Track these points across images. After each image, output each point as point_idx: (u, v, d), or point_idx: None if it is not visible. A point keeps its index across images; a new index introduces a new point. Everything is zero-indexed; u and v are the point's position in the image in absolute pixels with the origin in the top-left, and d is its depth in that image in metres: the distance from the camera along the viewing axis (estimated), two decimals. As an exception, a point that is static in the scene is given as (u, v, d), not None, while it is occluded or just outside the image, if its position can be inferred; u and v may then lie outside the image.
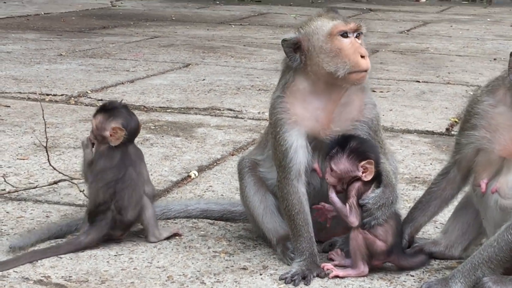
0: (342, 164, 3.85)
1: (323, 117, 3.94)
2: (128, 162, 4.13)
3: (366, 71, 3.86)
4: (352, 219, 3.82)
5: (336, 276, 3.80)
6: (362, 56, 3.84)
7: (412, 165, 5.83)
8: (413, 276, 3.88)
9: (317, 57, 3.88)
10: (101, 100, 7.58)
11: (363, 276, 3.82)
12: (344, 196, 3.87)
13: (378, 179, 3.88)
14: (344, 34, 3.88)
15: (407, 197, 5.04)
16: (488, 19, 17.08)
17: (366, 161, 3.84)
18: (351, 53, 3.85)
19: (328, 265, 3.85)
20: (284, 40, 3.93)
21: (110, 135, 4.13)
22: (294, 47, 3.92)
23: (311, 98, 3.94)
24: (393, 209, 3.85)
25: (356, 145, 3.87)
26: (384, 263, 3.90)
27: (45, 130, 5.10)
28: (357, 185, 3.86)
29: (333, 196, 3.86)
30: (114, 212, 4.05)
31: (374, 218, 3.81)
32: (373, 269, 3.89)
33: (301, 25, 3.98)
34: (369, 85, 4.06)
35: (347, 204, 3.83)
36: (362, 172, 3.84)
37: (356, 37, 3.89)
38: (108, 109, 4.19)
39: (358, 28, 3.90)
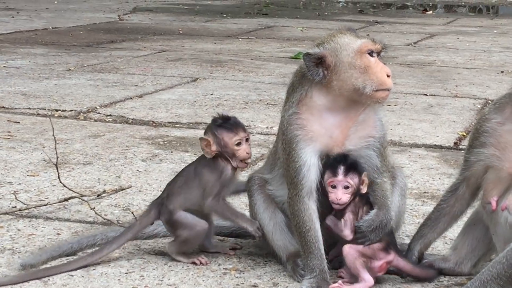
0: (356, 178, 3.94)
1: (339, 134, 3.97)
2: None
3: (389, 89, 3.93)
4: (347, 233, 3.92)
5: None
6: (388, 75, 3.91)
7: (421, 180, 5.84)
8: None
9: (346, 72, 3.91)
10: (110, 115, 7.62)
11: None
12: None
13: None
14: (371, 53, 3.92)
15: (416, 213, 5.06)
16: (495, 31, 17.10)
17: (364, 173, 3.94)
18: (378, 71, 3.89)
19: (335, 285, 3.85)
20: (307, 54, 3.92)
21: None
22: (317, 62, 3.94)
23: (328, 115, 3.97)
24: (387, 230, 3.91)
25: (353, 160, 3.96)
26: (387, 266, 3.91)
27: (55, 146, 5.15)
28: (355, 199, 3.96)
29: (333, 219, 3.99)
30: None
31: (367, 240, 3.89)
32: (381, 282, 3.91)
33: (323, 41, 3.99)
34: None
35: (342, 219, 3.92)
36: (361, 184, 3.96)
37: (379, 55, 3.96)
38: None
39: (383, 49, 3.98)
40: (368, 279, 3.87)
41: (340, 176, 3.92)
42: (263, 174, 4.33)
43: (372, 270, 3.90)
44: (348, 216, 3.93)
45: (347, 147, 3.97)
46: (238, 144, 4.16)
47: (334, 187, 3.94)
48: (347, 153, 3.96)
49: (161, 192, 4.29)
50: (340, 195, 3.93)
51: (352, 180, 3.93)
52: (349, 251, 3.88)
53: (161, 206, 4.18)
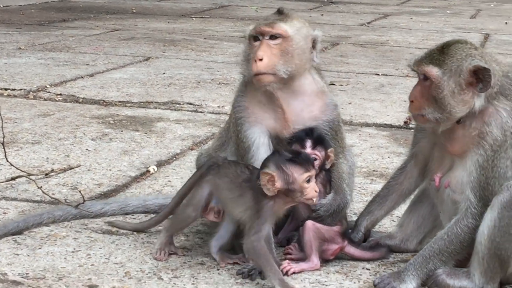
0: (323, 151, 4.00)
1: (280, 117, 3.99)
2: None
3: (257, 74, 3.92)
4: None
5: (291, 272, 3.82)
6: (258, 60, 3.92)
7: (370, 159, 5.88)
8: (368, 269, 3.92)
9: (243, 60, 4.05)
10: (60, 94, 7.55)
11: (316, 269, 3.86)
12: None
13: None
14: (256, 38, 3.98)
15: (364, 191, 5.09)
16: (448, 11, 17.23)
17: (330, 149, 4.00)
18: (252, 57, 3.95)
19: (282, 266, 3.85)
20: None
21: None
22: None
23: (265, 98, 4.01)
24: (343, 214, 3.94)
25: (320, 134, 4.01)
26: (340, 251, 3.94)
27: (1, 125, 5.07)
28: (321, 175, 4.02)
29: None
30: None
31: (325, 223, 3.94)
32: (330, 262, 3.93)
33: None
34: (327, 87, 4.10)
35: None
36: (326, 159, 4.00)
37: (272, 38, 3.94)
38: None
39: (263, 33, 3.95)
40: (316, 262, 3.88)
41: (308, 149, 3.97)
42: (214, 153, 4.32)
43: (325, 252, 3.92)
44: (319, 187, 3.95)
45: (293, 127, 3.99)
46: (308, 181, 3.72)
47: None
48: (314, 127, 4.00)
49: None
50: None
51: (320, 153, 3.99)
52: (311, 228, 3.88)
53: (213, 163, 3.89)
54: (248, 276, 3.75)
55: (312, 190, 3.69)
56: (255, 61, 3.91)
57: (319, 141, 4.00)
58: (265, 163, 3.71)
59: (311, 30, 4.05)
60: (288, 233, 4.15)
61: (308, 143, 3.97)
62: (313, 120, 4.03)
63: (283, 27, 3.96)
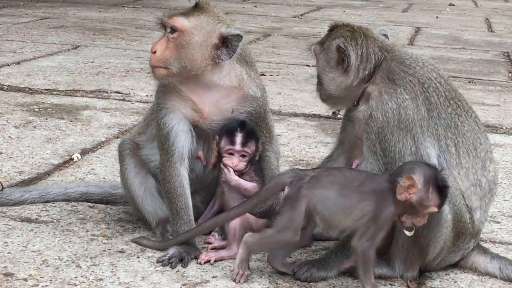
0: (253, 146, 3.94)
1: (196, 107, 3.95)
2: None
3: (152, 66, 3.90)
4: (249, 186, 3.94)
5: (209, 261, 3.79)
6: (153, 52, 3.89)
7: (297, 148, 5.87)
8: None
9: None
10: (-15, 81, 7.40)
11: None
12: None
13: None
14: (162, 30, 3.95)
15: (290, 180, 5.07)
16: (381, 5, 17.36)
17: (260, 141, 3.97)
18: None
19: (203, 257, 3.82)
20: None
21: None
22: None
23: (183, 86, 3.95)
24: (274, 211, 3.92)
25: (250, 127, 3.95)
26: None
27: None
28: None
29: (237, 178, 3.93)
30: None
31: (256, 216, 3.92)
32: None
33: None
34: (251, 79, 4.03)
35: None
36: (256, 151, 3.96)
37: (171, 32, 3.88)
38: None
39: (165, 24, 3.91)
40: (236, 250, 3.82)
41: (238, 146, 3.92)
42: (137, 138, 4.27)
43: None
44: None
45: (211, 118, 3.95)
46: (428, 214, 3.54)
47: (231, 154, 3.93)
48: (244, 120, 3.95)
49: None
50: (236, 162, 3.92)
51: (250, 148, 3.94)
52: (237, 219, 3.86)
53: (297, 180, 3.59)
54: (169, 263, 3.71)
55: (420, 223, 3.51)
56: (151, 53, 3.88)
57: (249, 135, 3.94)
58: (412, 169, 3.49)
59: (220, 27, 3.89)
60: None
61: (238, 139, 3.92)
62: (231, 111, 3.98)
63: (180, 21, 3.87)
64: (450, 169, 3.68)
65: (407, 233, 3.57)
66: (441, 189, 3.48)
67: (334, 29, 3.87)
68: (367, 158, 3.69)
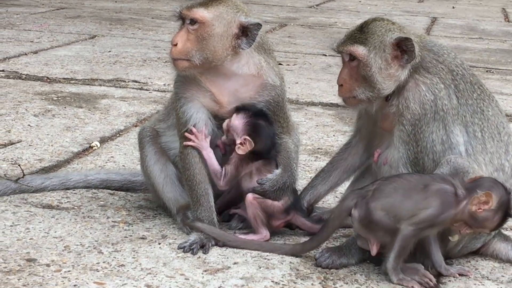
0: (241, 135, 3.89)
1: (214, 97, 3.95)
2: None
3: (173, 59, 3.88)
4: (222, 183, 3.94)
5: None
6: (173, 44, 3.87)
7: (315, 137, 5.87)
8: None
9: None
10: (3, 70, 7.42)
11: (266, 240, 3.85)
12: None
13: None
14: (181, 22, 3.92)
15: (309, 168, 5.08)
16: (396, -5, 17.30)
17: (248, 136, 3.89)
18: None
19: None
20: None
21: None
22: None
23: (200, 78, 3.95)
24: (288, 191, 3.92)
25: (251, 119, 3.91)
26: (285, 223, 3.94)
27: None
28: (238, 157, 3.94)
29: (211, 155, 3.94)
30: None
31: (268, 197, 3.90)
32: (274, 236, 3.92)
33: None
34: (270, 68, 4.02)
35: (224, 168, 3.92)
36: (240, 143, 3.90)
37: (191, 23, 3.87)
38: None
39: (184, 16, 3.89)
40: (265, 233, 3.88)
41: (229, 124, 3.93)
42: (157, 125, 4.28)
43: (270, 225, 3.91)
44: (230, 168, 3.93)
45: (230, 107, 3.95)
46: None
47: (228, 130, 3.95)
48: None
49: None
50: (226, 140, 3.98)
51: (236, 134, 3.92)
52: (252, 202, 3.87)
53: (361, 198, 3.58)
54: (190, 250, 3.72)
55: (467, 233, 3.55)
56: (174, 45, 3.87)
57: (249, 129, 3.90)
58: (493, 187, 3.51)
59: (239, 16, 3.87)
60: (225, 205, 4.13)
61: (234, 120, 3.91)
62: (249, 100, 3.98)
63: (200, 12, 3.85)
64: (475, 155, 3.68)
65: (451, 238, 3.60)
66: (506, 216, 3.52)
67: (366, 25, 3.74)
68: (397, 148, 3.69)
